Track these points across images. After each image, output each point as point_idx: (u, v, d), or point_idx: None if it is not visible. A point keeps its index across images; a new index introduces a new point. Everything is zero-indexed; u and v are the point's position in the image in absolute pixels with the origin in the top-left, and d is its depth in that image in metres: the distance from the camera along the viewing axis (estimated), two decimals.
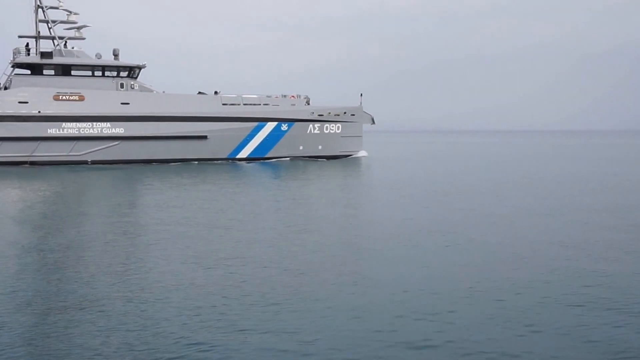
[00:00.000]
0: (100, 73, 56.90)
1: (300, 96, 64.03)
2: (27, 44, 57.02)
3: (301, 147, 63.21)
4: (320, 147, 64.00)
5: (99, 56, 58.11)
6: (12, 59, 57.07)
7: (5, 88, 55.34)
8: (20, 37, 57.13)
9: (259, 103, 61.44)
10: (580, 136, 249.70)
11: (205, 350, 10.19)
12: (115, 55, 58.41)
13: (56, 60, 55.33)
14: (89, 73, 56.74)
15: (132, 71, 57.71)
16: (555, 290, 13.54)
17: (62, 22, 57.41)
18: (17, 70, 56.23)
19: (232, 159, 60.55)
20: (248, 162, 59.75)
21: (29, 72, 56.78)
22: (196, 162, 58.16)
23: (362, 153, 66.97)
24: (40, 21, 56.94)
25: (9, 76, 55.98)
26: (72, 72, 56.16)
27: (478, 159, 73.15)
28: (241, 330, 11.09)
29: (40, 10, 56.80)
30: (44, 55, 55.03)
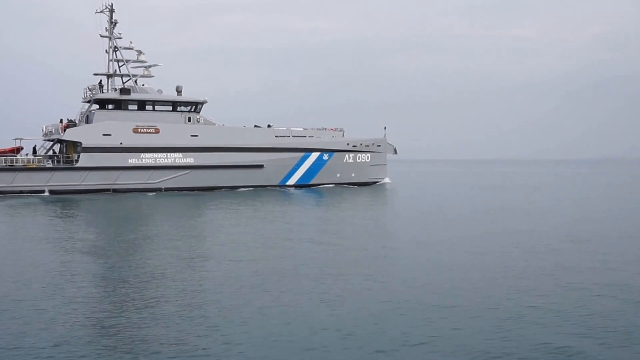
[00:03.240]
0: (170, 108, 62.15)
1: (337, 129, 71.33)
2: (101, 81, 61.66)
3: (338, 175, 70.23)
4: (353, 175, 71.24)
5: (160, 92, 63.39)
6: (84, 95, 61.60)
7: (86, 122, 59.76)
8: (95, 74, 61.75)
9: (304, 135, 68.25)
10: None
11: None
12: (178, 91, 63.77)
13: (133, 96, 60.30)
14: (162, 108, 61.84)
15: (196, 106, 63.28)
16: None
17: (133, 61, 62.43)
18: (94, 105, 60.59)
19: (282, 186, 66.79)
20: (296, 189, 66.06)
21: (97, 106, 61.12)
22: (253, 189, 64.01)
23: (386, 180, 74.64)
24: (114, 60, 61.77)
25: (87, 111, 60.33)
26: (146, 107, 61.18)
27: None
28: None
29: (112, 50, 61.72)
30: (123, 91, 59.89)
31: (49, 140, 61.01)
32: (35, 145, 60.25)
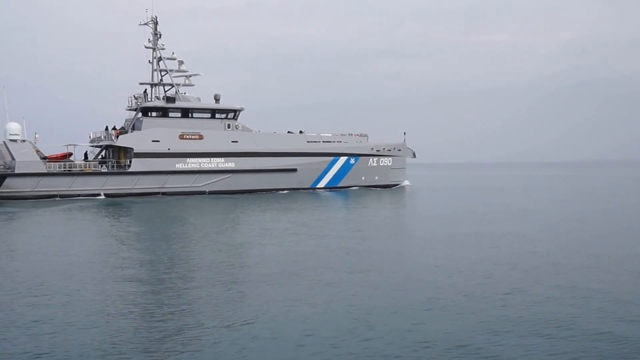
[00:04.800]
0: (209, 115, 65.60)
1: (362, 134, 75.45)
2: (145, 90, 64.92)
3: (363, 178, 74.29)
4: (376, 178, 75.38)
5: (198, 99, 66.75)
6: (129, 103, 64.74)
7: (132, 129, 62.91)
8: (141, 84, 64.95)
9: (333, 140, 72.21)
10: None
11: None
12: (217, 99, 67.21)
13: (178, 104, 63.69)
14: (201, 115, 65.22)
15: (234, 113, 66.82)
16: None
17: (175, 71, 65.73)
18: (139, 113, 63.65)
19: (313, 189, 70.61)
20: (326, 191, 69.91)
21: (140, 114, 64.12)
22: (286, 192, 67.68)
23: (406, 182, 78.95)
24: (157, 70, 65.02)
25: (134, 118, 63.46)
26: (188, 115, 64.53)
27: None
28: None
29: (155, 61, 64.99)
30: (168, 100, 63.28)
31: (97, 146, 64.03)
32: (87, 151, 63.30)
